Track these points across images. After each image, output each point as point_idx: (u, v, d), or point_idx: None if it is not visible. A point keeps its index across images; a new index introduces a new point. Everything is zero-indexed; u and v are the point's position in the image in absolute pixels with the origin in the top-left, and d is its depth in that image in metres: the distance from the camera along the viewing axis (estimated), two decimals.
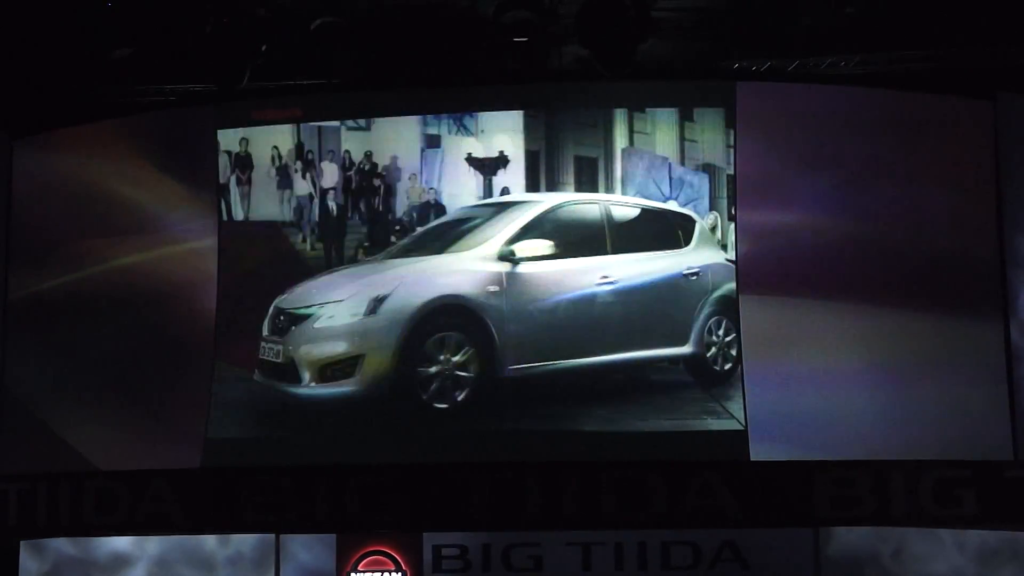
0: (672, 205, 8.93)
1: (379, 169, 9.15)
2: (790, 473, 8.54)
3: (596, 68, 8.39)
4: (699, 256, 8.92)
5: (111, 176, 9.24)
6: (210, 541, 8.96)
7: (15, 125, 9.35)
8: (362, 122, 9.20)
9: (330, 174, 9.21)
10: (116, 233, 9.20)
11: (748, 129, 8.74)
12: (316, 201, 9.19)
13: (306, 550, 8.86)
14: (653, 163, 8.93)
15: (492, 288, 8.76)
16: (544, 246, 8.87)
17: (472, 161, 9.02)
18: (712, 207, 8.90)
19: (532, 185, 8.98)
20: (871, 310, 8.63)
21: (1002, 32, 8.56)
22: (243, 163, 9.23)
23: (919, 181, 8.66)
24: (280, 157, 9.23)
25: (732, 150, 8.77)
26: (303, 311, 8.84)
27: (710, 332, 8.87)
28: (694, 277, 8.89)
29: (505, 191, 9.01)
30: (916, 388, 8.51)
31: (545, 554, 8.69)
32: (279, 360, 8.83)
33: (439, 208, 9.08)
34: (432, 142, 9.11)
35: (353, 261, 9.12)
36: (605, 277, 8.82)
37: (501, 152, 8.99)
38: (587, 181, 8.97)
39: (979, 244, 8.59)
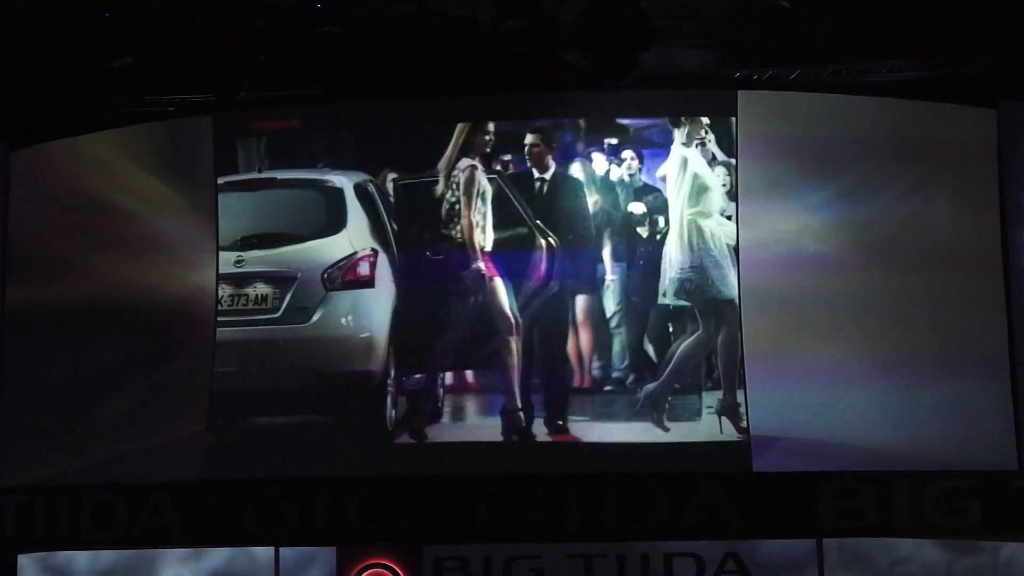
0: None
1: None
2: (793, 484, 8.51)
3: (597, 77, 8.37)
4: None
5: (109, 187, 9.21)
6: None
7: (13, 135, 9.32)
8: None
9: None
10: (114, 244, 9.17)
11: (750, 137, 8.71)
12: None
13: (306, 563, 8.80)
14: None
15: None
16: None
17: None
18: None
19: None
20: (874, 319, 8.61)
21: (1005, 39, 8.53)
22: None
23: (922, 189, 8.64)
24: None
25: (734, 158, 8.74)
26: None
27: None
28: None
29: None
30: (920, 398, 8.48)
31: (547, 566, 8.64)
32: None
33: None
34: None
35: None
36: None
37: None
38: None
39: (983, 253, 8.56)
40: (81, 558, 8.97)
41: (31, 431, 9.11)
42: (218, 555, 8.88)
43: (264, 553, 8.82)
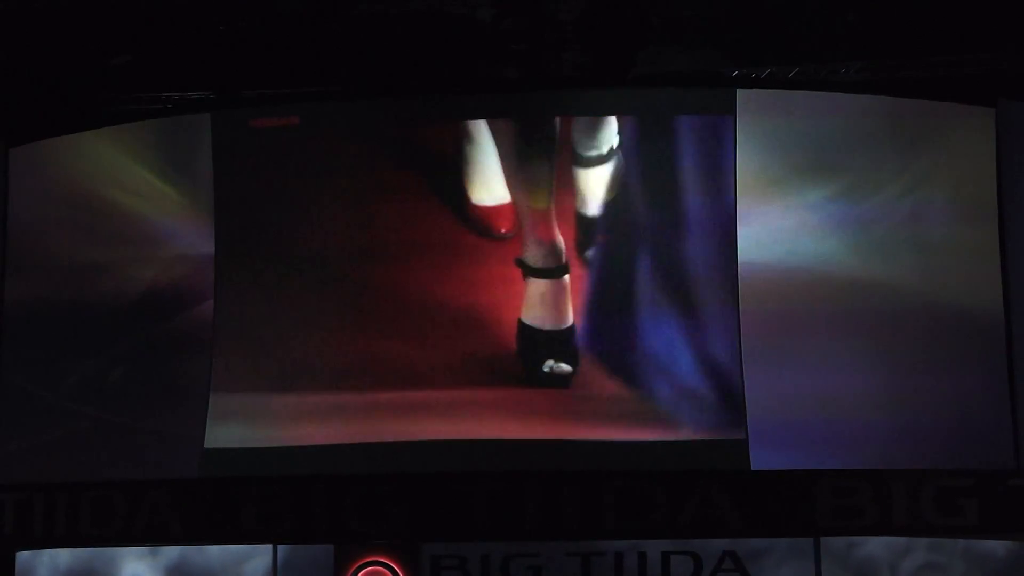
0: None
1: None
2: (791, 482, 8.49)
3: (596, 75, 8.39)
4: None
5: (108, 184, 9.22)
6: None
7: (12, 132, 9.34)
8: None
9: None
10: (113, 241, 9.18)
11: (748, 136, 8.72)
12: None
13: (304, 561, 8.79)
14: None
15: None
16: None
17: None
18: None
19: None
20: (872, 319, 8.60)
21: (1004, 38, 8.54)
22: None
23: (920, 187, 8.65)
24: None
25: (733, 156, 8.76)
26: None
27: None
28: None
29: None
30: (918, 397, 8.47)
31: (545, 564, 8.62)
32: None
33: None
34: None
35: None
36: None
37: None
38: None
39: (981, 251, 8.56)
40: (43, 560, 8.95)
41: (30, 428, 9.11)
42: (173, 551, 8.88)
43: (217, 548, 8.83)
